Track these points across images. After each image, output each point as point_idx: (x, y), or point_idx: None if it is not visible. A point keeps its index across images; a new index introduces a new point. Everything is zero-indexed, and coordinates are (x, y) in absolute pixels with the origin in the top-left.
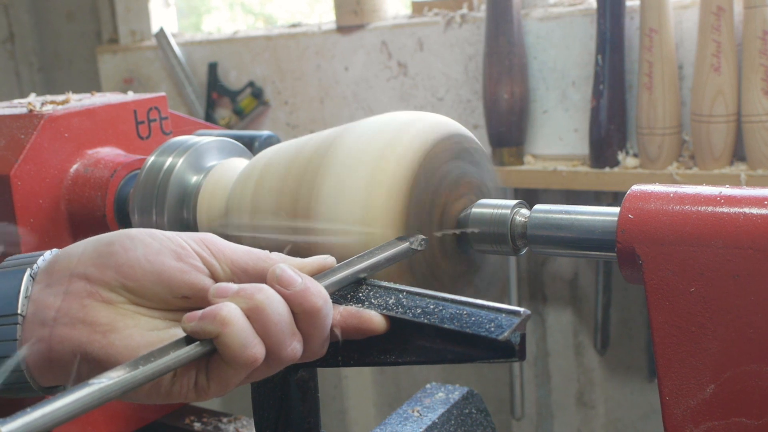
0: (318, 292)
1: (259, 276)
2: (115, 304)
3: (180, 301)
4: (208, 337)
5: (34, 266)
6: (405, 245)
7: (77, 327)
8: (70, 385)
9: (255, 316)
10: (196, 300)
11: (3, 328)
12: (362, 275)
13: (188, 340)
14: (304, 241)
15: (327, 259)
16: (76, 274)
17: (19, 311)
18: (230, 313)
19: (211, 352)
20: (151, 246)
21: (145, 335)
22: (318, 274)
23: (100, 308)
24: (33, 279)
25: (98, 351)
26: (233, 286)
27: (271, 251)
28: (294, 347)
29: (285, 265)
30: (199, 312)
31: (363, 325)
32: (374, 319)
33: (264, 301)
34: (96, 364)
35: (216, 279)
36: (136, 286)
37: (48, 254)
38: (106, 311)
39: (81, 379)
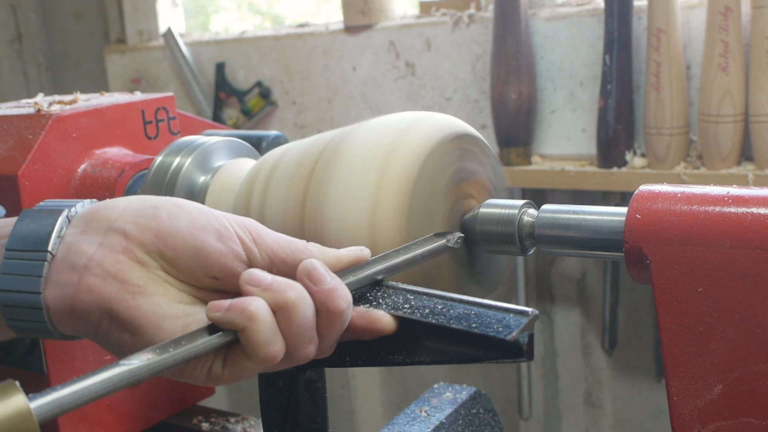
0: (344, 295)
1: (296, 267)
2: (148, 268)
3: (210, 280)
4: (233, 329)
5: (72, 209)
6: (441, 242)
7: (108, 281)
8: (89, 339)
9: (282, 313)
10: (225, 283)
11: (30, 263)
12: (398, 271)
13: (212, 328)
14: (312, 241)
15: (362, 251)
16: (115, 228)
17: (49, 249)
18: (258, 308)
19: (233, 342)
20: (198, 221)
21: (172, 306)
22: (352, 266)
23: (134, 267)
24: (69, 221)
25: (124, 311)
26: (267, 277)
27: None
28: (309, 350)
29: (318, 261)
30: (227, 302)
31: (372, 325)
32: (383, 319)
33: (294, 299)
34: (118, 323)
35: (252, 265)
36: (173, 255)
37: (88, 202)
38: (139, 272)
39: (100, 335)
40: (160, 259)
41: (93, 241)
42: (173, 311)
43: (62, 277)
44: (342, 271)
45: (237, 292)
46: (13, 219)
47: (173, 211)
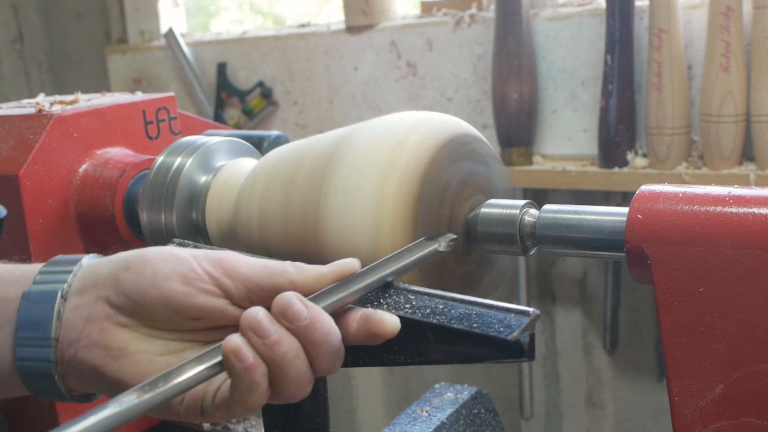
0: (321, 326)
1: (274, 290)
2: (131, 328)
3: (191, 323)
4: (229, 372)
5: (65, 285)
6: (433, 247)
7: (94, 350)
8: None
9: (274, 369)
10: (208, 321)
11: (40, 349)
12: (390, 279)
13: (199, 360)
14: (313, 243)
15: (348, 265)
16: (101, 297)
17: (53, 335)
18: (257, 373)
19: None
20: (161, 271)
21: (153, 361)
22: (339, 281)
23: (115, 332)
24: (65, 299)
25: (111, 374)
26: (261, 321)
27: (280, 251)
28: (306, 390)
29: (292, 294)
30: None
31: (372, 335)
32: (385, 323)
33: (283, 358)
34: (111, 385)
35: (230, 298)
36: (146, 311)
37: (78, 269)
38: (121, 335)
39: (107, 394)
40: (138, 317)
41: (83, 314)
42: (155, 366)
43: (65, 354)
44: (329, 289)
45: (224, 326)
46: (26, 271)
47: (140, 269)
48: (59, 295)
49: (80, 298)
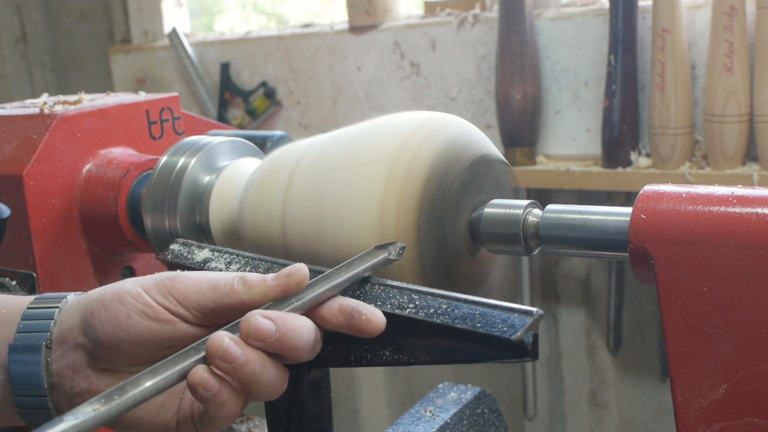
0: (293, 332)
1: (226, 311)
2: (113, 371)
3: (167, 351)
4: (198, 399)
5: (48, 334)
6: (383, 255)
7: (86, 397)
8: None
9: (247, 383)
10: (181, 345)
11: (38, 398)
12: (345, 286)
13: (160, 368)
14: (314, 243)
15: (291, 277)
16: (78, 344)
17: (45, 386)
18: (223, 395)
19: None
20: (121, 312)
21: None
22: (286, 294)
23: (101, 377)
24: (50, 349)
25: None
26: (228, 348)
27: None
28: (284, 388)
29: (257, 313)
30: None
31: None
32: (372, 320)
33: (253, 375)
34: (118, 426)
35: (189, 323)
36: (122, 353)
37: (57, 315)
38: (107, 379)
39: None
40: (116, 359)
41: (69, 362)
42: (154, 400)
43: (62, 401)
44: (279, 300)
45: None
46: (11, 311)
47: (102, 315)
48: (44, 346)
49: (62, 347)
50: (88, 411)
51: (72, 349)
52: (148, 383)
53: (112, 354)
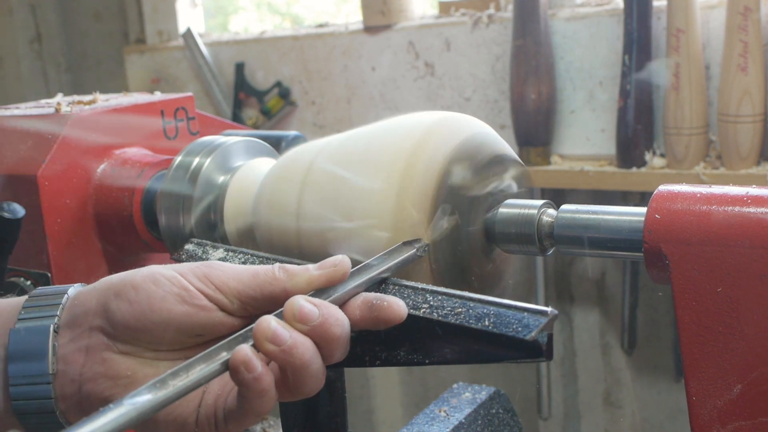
0: (335, 321)
1: (267, 299)
2: (133, 355)
3: (194, 339)
4: (238, 382)
5: (55, 318)
6: (412, 251)
7: (100, 381)
8: None
9: (293, 372)
10: (209, 335)
11: (39, 386)
12: (385, 276)
13: (207, 356)
14: (329, 241)
15: (336, 267)
16: (94, 326)
17: (50, 371)
18: (266, 381)
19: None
20: (155, 294)
21: None
22: (331, 284)
23: (119, 360)
24: (57, 333)
25: None
26: (276, 330)
27: (300, 250)
28: (322, 384)
29: (301, 297)
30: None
31: (381, 317)
32: (393, 308)
33: (302, 359)
34: None
35: (225, 311)
36: (148, 336)
37: (65, 300)
38: (126, 363)
39: None
40: (139, 343)
41: (81, 346)
42: None
43: (66, 390)
44: (320, 290)
45: (224, 335)
46: (7, 306)
47: (131, 296)
48: (51, 329)
49: (72, 331)
50: (146, 397)
51: (86, 333)
52: (201, 368)
53: (134, 336)
